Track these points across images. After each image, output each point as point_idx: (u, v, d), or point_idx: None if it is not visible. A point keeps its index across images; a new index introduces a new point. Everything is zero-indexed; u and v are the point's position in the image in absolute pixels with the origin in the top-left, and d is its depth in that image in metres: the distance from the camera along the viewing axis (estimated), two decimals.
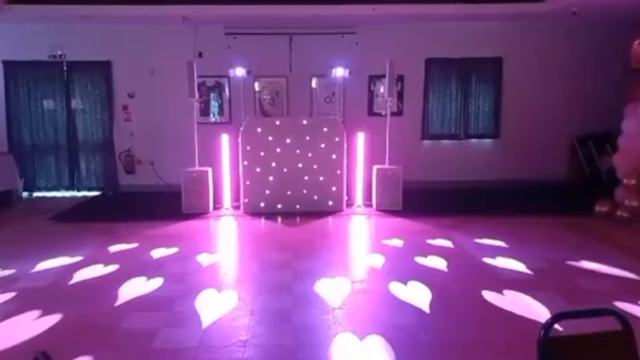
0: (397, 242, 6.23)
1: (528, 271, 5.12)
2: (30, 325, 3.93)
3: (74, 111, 9.63)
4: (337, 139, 7.70)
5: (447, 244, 6.13)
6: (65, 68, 9.50)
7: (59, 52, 9.36)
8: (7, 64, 9.39)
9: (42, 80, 9.51)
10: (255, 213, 7.67)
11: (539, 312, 4.08)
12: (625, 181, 6.95)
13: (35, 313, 4.12)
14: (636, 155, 6.79)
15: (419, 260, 5.50)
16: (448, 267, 5.32)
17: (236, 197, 7.94)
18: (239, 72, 8.40)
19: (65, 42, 9.33)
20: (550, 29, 9.47)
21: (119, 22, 9.07)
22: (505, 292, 4.52)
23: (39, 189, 9.69)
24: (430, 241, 6.24)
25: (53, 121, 9.63)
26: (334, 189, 7.76)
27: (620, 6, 7.67)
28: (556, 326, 1.64)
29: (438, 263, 5.42)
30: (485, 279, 4.91)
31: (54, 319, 4.02)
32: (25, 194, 9.43)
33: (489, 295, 4.45)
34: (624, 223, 6.82)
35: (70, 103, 9.60)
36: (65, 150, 9.71)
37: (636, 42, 6.86)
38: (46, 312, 4.14)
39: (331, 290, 4.64)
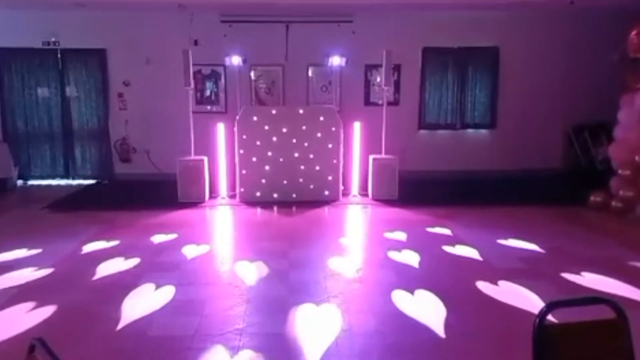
0: (394, 232, 6.24)
1: (523, 261, 5.14)
2: (25, 316, 3.91)
3: (68, 99, 9.56)
4: (333, 129, 7.68)
5: (444, 232, 6.15)
6: (59, 55, 9.41)
7: (53, 39, 9.28)
8: (1, 51, 9.27)
9: (36, 68, 9.42)
10: (251, 202, 7.66)
11: (534, 302, 4.10)
12: (620, 172, 6.98)
13: (30, 304, 4.09)
14: (631, 145, 6.80)
15: (414, 249, 5.51)
16: (444, 255, 5.35)
17: (232, 186, 7.93)
18: (235, 60, 8.35)
19: (59, 29, 9.24)
20: (547, 18, 9.44)
21: (113, 9, 8.98)
22: (500, 282, 4.54)
23: (34, 178, 9.64)
24: (427, 229, 6.26)
25: (47, 109, 9.56)
26: (330, 178, 7.76)
27: None
28: (550, 317, 1.65)
29: (432, 251, 5.45)
30: (480, 269, 4.94)
31: (48, 309, 4.00)
32: (19, 183, 9.38)
33: (483, 286, 4.47)
34: (619, 213, 6.86)
35: (64, 91, 9.53)
36: (60, 138, 9.65)
37: (633, 32, 6.83)
38: (41, 302, 4.11)
39: (327, 278, 4.66)
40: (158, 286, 4.49)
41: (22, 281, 4.63)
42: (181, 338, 3.52)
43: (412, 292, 4.32)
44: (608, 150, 7.42)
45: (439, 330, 3.64)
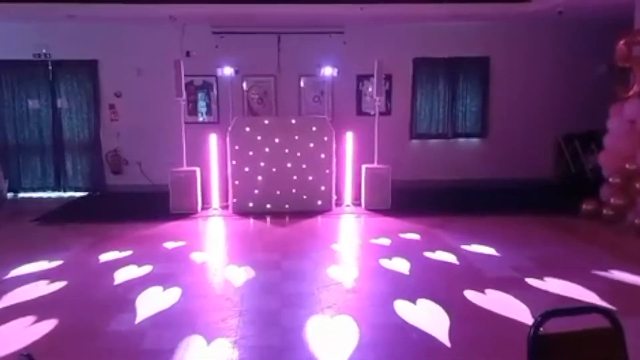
0: (385, 241, 6.24)
1: (513, 271, 5.14)
2: (15, 333, 3.84)
3: (59, 111, 9.51)
4: (325, 139, 7.69)
5: (435, 242, 6.15)
6: (50, 67, 9.37)
7: (44, 51, 9.24)
8: None
9: (27, 80, 9.36)
10: (244, 213, 7.63)
11: (524, 311, 4.10)
12: (610, 180, 7.03)
13: (21, 320, 4.00)
14: (621, 154, 6.86)
15: (406, 258, 5.50)
16: (433, 264, 5.34)
17: (225, 197, 7.90)
18: (227, 71, 8.37)
19: (50, 41, 9.22)
20: (536, 28, 9.55)
21: (105, 21, 8.98)
22: (487, 291, 4.53)
23: (24, 190, 9.55)
24: (418, 239, 6.26)
25: (38, 121, 9.50)
26: (322, 188, 7.76)
27: (605, 6, 7.75)
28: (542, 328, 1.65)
29: (424, 260, 5.45)
30: (469, 278, 4.92)
31: (40, 324, 3.94)
32: (10, 195, 9.30)
33: (471, 295, 4.46)
34: (610, 222, 6.89)
35: (55, 102, 9.48)
36: (51, 150, 9.58)
37: (621, 42, 6.92)
38: (33, 318, 4.03)
39: (320, 289, 4.64)
40: (149, 299, 4.45)
41: (9, 296, 4.58)
42: (173, 351, 3.48)
43: (407, 301, 4.31)
44: (598, 158, 7.48)
45: (436, 339, 3.62)
